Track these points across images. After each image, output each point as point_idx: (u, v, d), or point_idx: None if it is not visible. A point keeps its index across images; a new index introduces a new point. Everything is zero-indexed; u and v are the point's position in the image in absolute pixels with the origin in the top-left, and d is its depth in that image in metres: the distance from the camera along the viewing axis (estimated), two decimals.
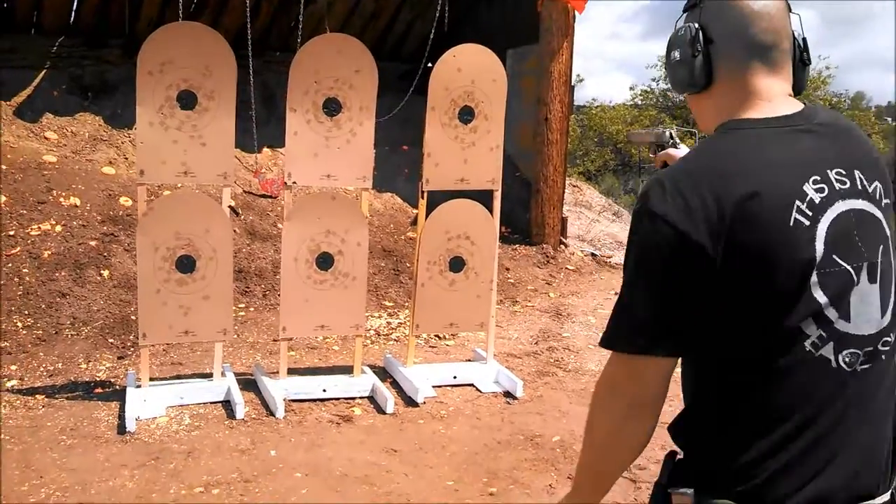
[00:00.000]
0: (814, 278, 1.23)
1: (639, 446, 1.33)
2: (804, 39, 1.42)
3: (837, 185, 1.28)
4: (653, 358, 1.28)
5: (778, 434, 1.24)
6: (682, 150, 2.31)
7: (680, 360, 1.33)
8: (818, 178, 1.27)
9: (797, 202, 1.24)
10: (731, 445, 1.26)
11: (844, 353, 1.26)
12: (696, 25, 1.38)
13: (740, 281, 1.22)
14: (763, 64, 1.35)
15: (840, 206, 1.27)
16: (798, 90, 1.42)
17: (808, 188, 1.25)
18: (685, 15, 1.45)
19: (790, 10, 1.39)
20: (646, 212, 1.26)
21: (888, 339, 1.30)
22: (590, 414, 1.39)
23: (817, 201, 1.25)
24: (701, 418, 1.33)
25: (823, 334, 1.24)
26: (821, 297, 1.23)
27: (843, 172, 1.30)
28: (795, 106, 1.36)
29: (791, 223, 1.23)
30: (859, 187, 1.30)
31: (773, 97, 1.35)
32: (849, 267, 1.26)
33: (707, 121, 1.43)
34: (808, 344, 1.24)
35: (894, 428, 1.34)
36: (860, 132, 1.41)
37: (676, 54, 1.41)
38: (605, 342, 1.33)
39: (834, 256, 1.24)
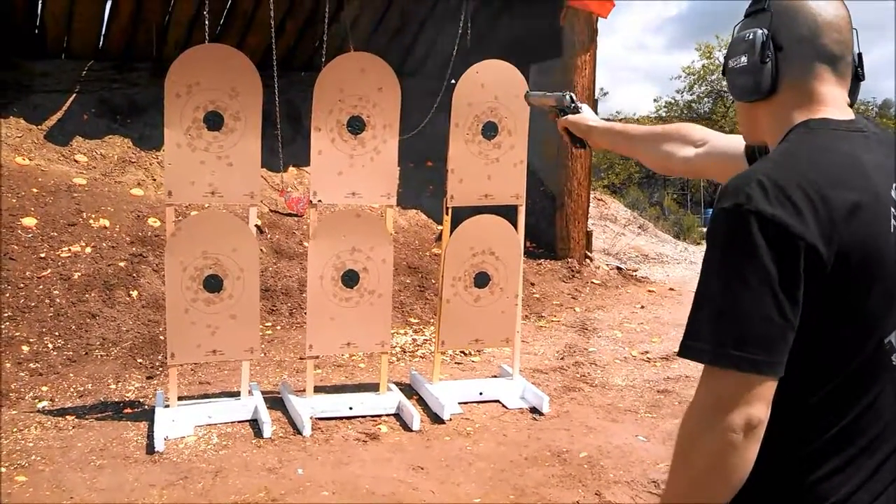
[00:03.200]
0: None
1: (745, 478, 1.15)
2: (859, 55, 1.38)
3: None
4: (769, 378, 1.13)
5: (851, 451, 1.21)
6: (587, 113, 2.16)
7: None
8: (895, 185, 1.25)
9: (892, 208, 1.21)
10: (801, 464, 1.21)
11: None
12: (766, 31, 1.32)
13: (844, 289, 1.16)
14: (832, 74, 1.31)
15: None
16: (850, 104, 1.38)
17: (894, 194, 1.23)
18: (746, 20, 1.39)
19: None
20: (750, 212, 1.13)
21: None
22: (685, 441, 1.19)
23: None
24: (769, 435, 1.18)
25: None
26: None
27: None
28: (851, 114, 1.33)
29: (892, 230, 1.19)
30: None
31: (837, 104, 1.32)
32: None
33: (759, 129, 1.39)
34: (894, 358, 1.22)
35: None
36: None
37: (743, 60, 1.35)
38: (711, 357, 1.15)
39: None
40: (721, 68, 1.49)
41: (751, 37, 1.34)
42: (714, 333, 1.14)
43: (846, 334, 1.18)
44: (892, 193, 1.22)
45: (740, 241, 1.14)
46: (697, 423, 1.16)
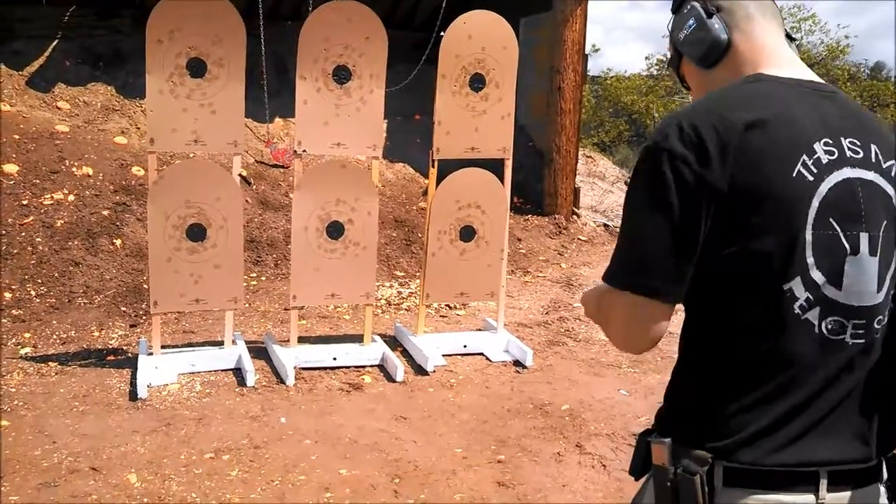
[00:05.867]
0: (808, 237, 1.22)
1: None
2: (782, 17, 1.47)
3: (849, 153, 1.26)
4: (659, 303, 1.23)
5: (759, 393, 1.23)
6: None
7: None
8: (830, 140, 1.25)
9: (804, 156, 1.23)
10: (711, 399, 1.26)
11: (828, 319, 1.24)
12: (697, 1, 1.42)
13: (741, 219, 1.20)
14: (763, 16, 1.38)
15: (847, 173, 1.25)
16: None
17: (819, 147, 1.24)
18: (675, 16, 1.48)
19: None
20: (663, 150, 1.22)
21: (882, 317, 1.28)
22: (589, 310, 1.40)
23: (824, 161, 1.24)
24: (686, 369, 1.33)
25: (811, 297, 1.23)
26: (809, 256, 1.22)
27: (858, 143, 1.28)
28: (816, 78, 1.36)
29: (794, 174, 1.22)
30: (873, 160, 1.28)
31: (789, 58, 1.37)
32: (844, 233, 1.24)
33: None
34: (796, 306, 1.22)
35: (887, 403, 1.31)
36: (877, 119, 1.40)
37: (691, 22, 1.41)
38: (611, 279, 1.27)
39: (830, 220, 1.23)
40: (671, 48, 1.54)
41: (689, 8, 1.43)
42: (620, 259, 1.27)
43: (745, 272, 1.22)
44: (817, 146, 1.25)
45: (651, 176, 1.23)
46: (594, 314, 1.37)
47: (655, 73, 19.97)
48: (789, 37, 1.44)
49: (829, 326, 1.24)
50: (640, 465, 1.36)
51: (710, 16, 1.38)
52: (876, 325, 1.27)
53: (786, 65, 1.35)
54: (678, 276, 1.23)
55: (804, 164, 1.23)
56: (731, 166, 1.19)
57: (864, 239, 1.25)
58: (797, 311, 1.23)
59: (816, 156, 1.24)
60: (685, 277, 1.23)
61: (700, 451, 1.24)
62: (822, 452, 1.24)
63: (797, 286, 1.22)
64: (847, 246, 1.24)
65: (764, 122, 1.22)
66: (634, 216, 1.26)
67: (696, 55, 1.43)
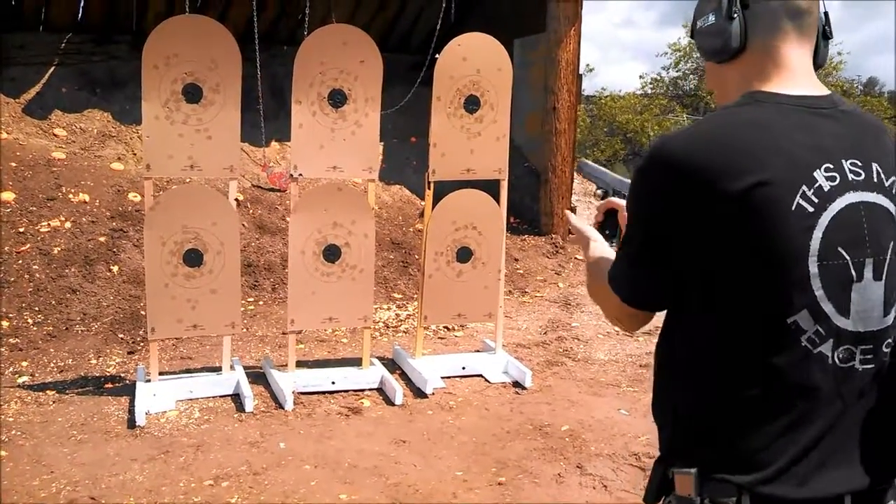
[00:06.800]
0: (812, 269, 1.18)
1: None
2: (826, 13, 1.38)
3: (850, 176, 1.22)
4: (630, 306, 1.35)
5: (779, 425, 1.21)
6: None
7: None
8: (831, 165, 1.21)
9: (804, 187, 1.19)
10: (732, 430, 1.24)
11: (840, 349, 1.22)
12: None
13: (738, 261, 1.19)
14: (796, 31, 1.30)
15: (850, 198, 1.21)
16: (819, 64, 1.37)
17: (819, 174, 1.20)
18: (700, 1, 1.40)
19: None
20: (643, 173, 1.28)
21: (890, 341, 1.26)
22: (596, 295, 1.48)
23: (826, 189, 1.20)
24: (702, 398, 1.28)
25: (821, 330, 1.20)
26: (818, 289, 1.19)
27: (859, 164, 1.24)
28: (820, 89, 1.32)
29: (793, 207, 1.18)
30: (875, 180, 1.24)
31: (800, 72, 1.31)
32: (851, 260, 1.21)
33: (729, 92, 1.37)
34: (804, 339, 1.20)
35: None
36: (886, 130, 1.35)
37: (711, 18, 1.34)
38: (608, 278, 1.38)
39: (839, 248, 1.20)
40: (690, 31, 1.47)
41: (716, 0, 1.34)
42: (614, 264, 1.38)
43: (749, 309, 1.21)
44: (817, 174, 1.20)
45: (634, 196, 1.30)
46: (592, 289, 1.49)
47: (650, 91, 20.08)
48: (826, 36, 1.39)
49: (841, 356, 1.22)
50: (655, 491, 1.34)
51: (731, 18, 1.30)
52: (884, 349, 1.25)
53: (796, 78, 1.30)
54: (645, 289, 1.32)
55: (803, 196, 1.19)
56: (727, 206, 1.17)
57: (868, 264, 1.22)
58: (806, 343, 1.20)
59: (817, 184, 1.20)
60: (654, 289, 1.31)
61: (727, 483, 1.22)
62: (845, 481, 1.22)
63: (804, 319, 1.20)
64: (855, 273, 1.21)
65: (761, 163, 1.19)
66: (627, 227, 1.35)
67: (707, 50, 1.38)
